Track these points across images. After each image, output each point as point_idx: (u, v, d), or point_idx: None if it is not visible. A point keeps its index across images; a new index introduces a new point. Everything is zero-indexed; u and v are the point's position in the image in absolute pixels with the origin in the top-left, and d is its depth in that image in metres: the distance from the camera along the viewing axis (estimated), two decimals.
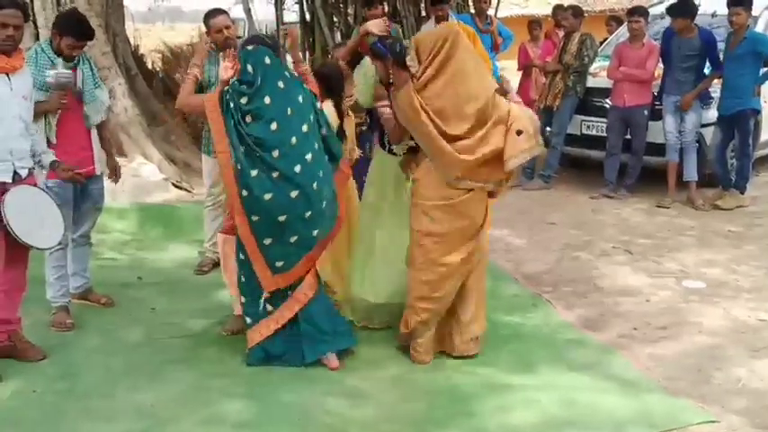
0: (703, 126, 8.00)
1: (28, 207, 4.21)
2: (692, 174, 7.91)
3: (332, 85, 4.89)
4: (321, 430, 3.77)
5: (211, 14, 5.68)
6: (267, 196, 4.12)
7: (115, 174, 5.29)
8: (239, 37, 5.89)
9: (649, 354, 4.60)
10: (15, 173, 4.25)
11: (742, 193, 7.92)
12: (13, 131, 4.20)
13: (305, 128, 4.23)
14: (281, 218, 4.17)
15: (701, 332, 4.90)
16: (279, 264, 4.26)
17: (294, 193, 4.15)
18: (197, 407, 3.97)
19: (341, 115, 4.91)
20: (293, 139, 4.17)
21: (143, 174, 8.04)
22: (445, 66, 4.15)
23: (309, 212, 4.19)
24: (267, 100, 4.15)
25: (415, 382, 4.26)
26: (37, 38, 7.78)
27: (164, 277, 5.95)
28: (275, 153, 4.13)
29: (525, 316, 5.14)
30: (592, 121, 8.78)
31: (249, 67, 4.19)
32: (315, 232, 4.26)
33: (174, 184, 8.10)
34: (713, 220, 7.39)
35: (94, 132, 5.07)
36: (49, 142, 4.71)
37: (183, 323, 5.01)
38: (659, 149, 8.10)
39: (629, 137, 8.27)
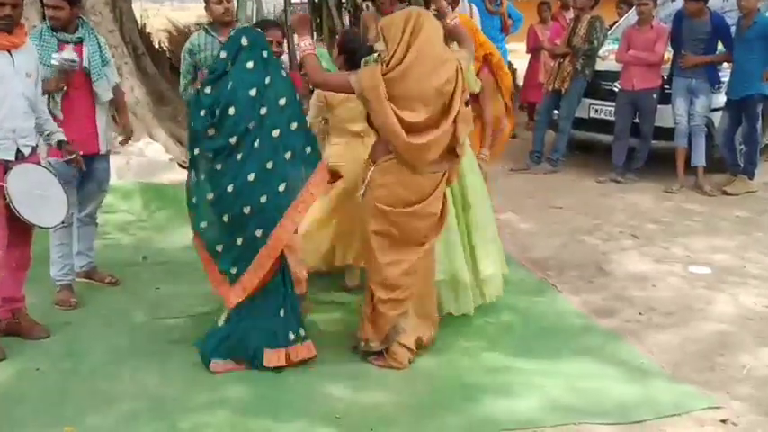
0: (713, 111, 7.94)
1: (31, 185, 4.21)
2: (700, 159, 7.85)
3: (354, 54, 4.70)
4: (324, 413, 3.76)
5: None
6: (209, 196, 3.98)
7: (125, 133, 5.29)
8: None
9: (655, 340, 4.58)
10: (18, 151, 4.24)
11: (750, 178, 7.87)
12: (16, 109, 4.18)
13: (263, 111, 3.97)
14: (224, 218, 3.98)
15: (707, 318, 4.88)
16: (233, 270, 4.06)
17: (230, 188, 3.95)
18: (201, 388, 3.98)
19: None
20: (251, 125, 3.94)
21: (149, 154, 8.02)
22: (411, 46, 3.98)
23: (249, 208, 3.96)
24: (230, 86, 3.96)
25: (419, 366, 4.25)
26: (44, 15, 7.73)
27: (169, 257, 5.95)
28: (232, 140, 3.93)
29: (531, 301, 5.12)
30: (600, 105, 8.71)
31: (223, 54, 4.03)
32: (258, 232, 3.99)
33: (180, 165, 8.06)
34: (721, 206, 7.35)
35: (101, 111, 5.05)
36: (54, 118, 4.70)
37: (188, 304, 5.01)
38: (668, 134, 8.04)
39: (637, 121, 8.22)
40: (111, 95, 5.14)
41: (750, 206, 7.35)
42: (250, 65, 3.97)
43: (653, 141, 8.19)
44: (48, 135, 4.50)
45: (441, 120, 4.03)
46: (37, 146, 4.44)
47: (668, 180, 7.98)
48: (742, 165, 7.91)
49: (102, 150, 5.10)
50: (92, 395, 3.92)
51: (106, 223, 6.38)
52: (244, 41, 4.01)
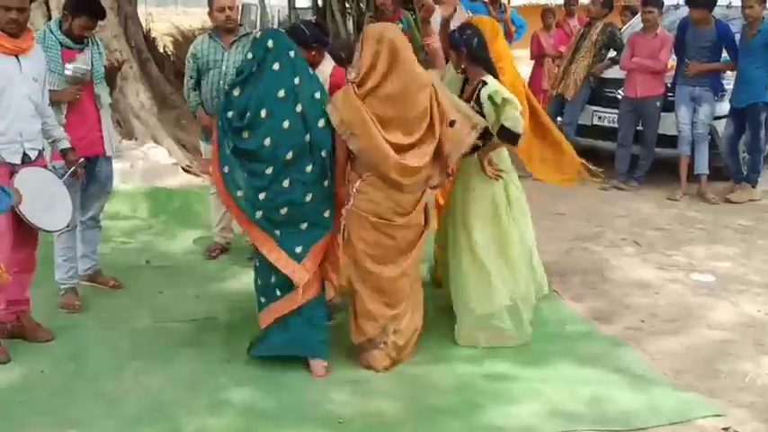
0: (716, 119, 7.95)
1: (37, 189, 4.22)
2: (703, 166, 7.86)
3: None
4: (325, 418, 3.77)
5: None
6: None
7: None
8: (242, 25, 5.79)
9: (657, 347, 4.58)
10: (25, 154, 4.26)
11: (753, 186, 7.87)
12: (22, 113, 4.20)
13: (298, 109, 3.99)
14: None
15: (710, 326, 4.88)
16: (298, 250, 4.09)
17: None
18: (203, 391, 3.99)
19: None
20: (285, 124, 3.95)
21: (153, 158, 8.03)
22: (392, 72, 3.95)
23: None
24: (260, 89, 3.98)
25: (419, 372, 4.26)
26: (49, 18, 7.76)
27: (172, 261, 5.97)
28: (266, 141, 3.95)
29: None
30: (603, 112, 8.71)
31: (249, 54, 4.06)
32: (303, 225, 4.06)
33: (183, 169, 8.08)
34: (724, 214, 7.35)
35: (105, 113, 5.07)
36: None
37: (191, 307, 5.03)
38: (671, 141, 8.05)
39: (640, 128, 8.23)
40: (110, 99, 5.16)
41: (753, 214, 7.35)
42: (276, 66, 4.00)
43: (656, 149, 8.20)
44: (53, 142, 4.52)
45: (423, 142, 4.03)
46: (43, 149, 4.46)
47: (671, 187, 7.99)
48: (745, 173, 7.91)
49: (108, 153, 5.12)
50: (95, 398, 3.93)
51: (110, 227, 6.39)
52: (269, 43, 4.03)
